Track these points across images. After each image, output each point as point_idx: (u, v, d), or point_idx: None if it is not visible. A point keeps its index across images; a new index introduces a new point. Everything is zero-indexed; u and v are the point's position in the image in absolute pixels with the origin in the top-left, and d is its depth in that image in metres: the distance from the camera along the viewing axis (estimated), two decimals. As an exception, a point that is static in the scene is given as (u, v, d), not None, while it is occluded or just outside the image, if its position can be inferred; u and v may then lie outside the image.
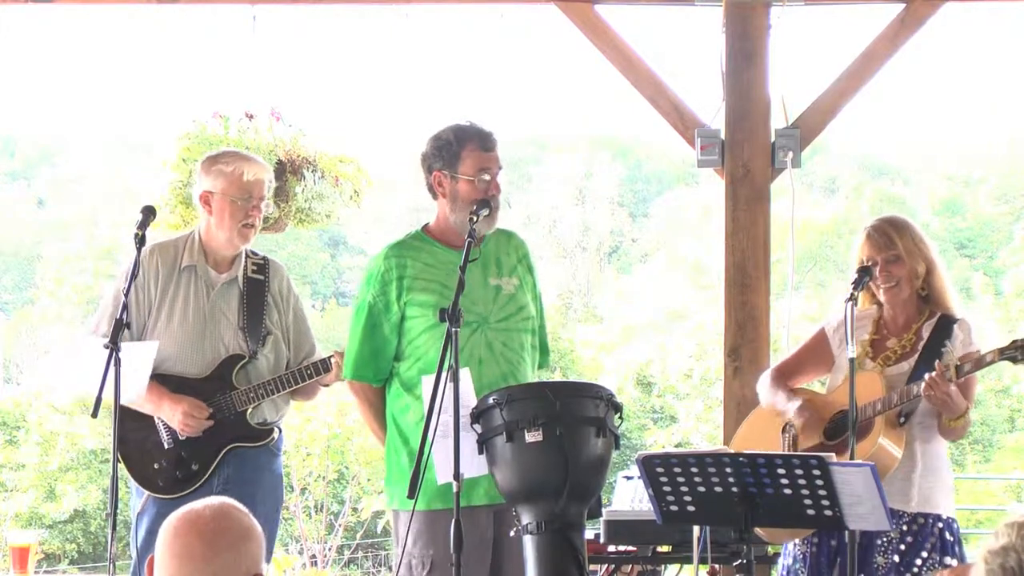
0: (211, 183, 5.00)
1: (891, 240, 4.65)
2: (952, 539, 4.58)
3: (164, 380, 4.96)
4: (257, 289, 5.08)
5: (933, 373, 4.41)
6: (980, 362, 4.45)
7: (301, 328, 5.19)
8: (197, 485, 4.95)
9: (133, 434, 4.95)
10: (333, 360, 5.01)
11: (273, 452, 5.11)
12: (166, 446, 5.00)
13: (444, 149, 4.68)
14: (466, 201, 4.65)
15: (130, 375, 4.61)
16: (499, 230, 4.80)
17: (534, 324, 4.81)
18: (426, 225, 4.81)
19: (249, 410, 5.01)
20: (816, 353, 4.91)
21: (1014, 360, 4.38)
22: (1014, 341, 4.38)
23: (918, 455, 4.59)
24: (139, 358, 4.82)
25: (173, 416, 4.95)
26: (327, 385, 5.19)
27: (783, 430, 4.80)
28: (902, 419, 4.55)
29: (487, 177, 4.66)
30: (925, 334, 4.65)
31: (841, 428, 4.64)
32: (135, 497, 5.04)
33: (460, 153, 4.66)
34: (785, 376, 4.92)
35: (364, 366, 4.76)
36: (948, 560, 4.53)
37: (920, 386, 4.44)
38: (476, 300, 4.66)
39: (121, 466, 4.93)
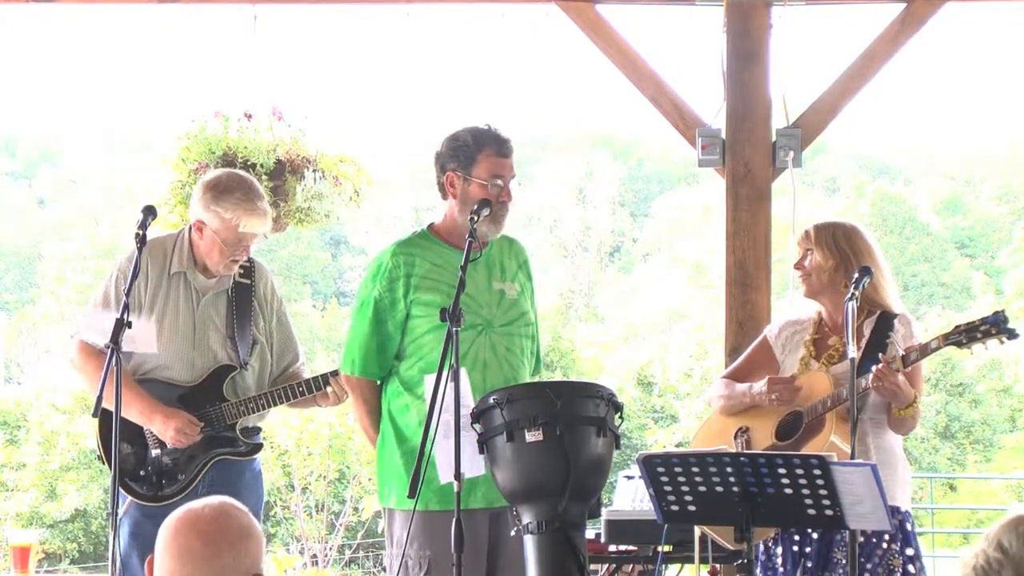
0: (207, 218, 4.90)
1: (807, 236, 4.83)
2: (910, 530, 4.64)
3: (154, 386, 4.92)
4: (244, 294, 5.03)
5: (880, 365, 4.47)
6: (925, 350, 4.52)
7: (285, 334, 5.12)
8: (182, 495, 4.88)
9: (121, 440, 4.80)
10: (331, 381, 4.94)
11: None
12: (153, 454, 4.95)
13: (460, 151, 4.65)
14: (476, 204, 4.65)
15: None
16: (502, 236, 4.78)
17: (533, 331, 4.81)
18: (431, 224, 4.77)
19: (238, 422, 4.99)
20: (762, 360, 4.94)
21: (959, 344, 4.46)
22: (957, 326, 4.46)
23: (871, 450, 4.64)
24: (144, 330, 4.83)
25: (165, 431, 4.89)
26: (322, 406, 5.10)
27: (735, 436, 4.81)
28: None
29: (500, 183, 4.63)
30: (867, 331, 4.70)
31: (792, 428, 4.69)
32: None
33: (476, 156, 4.63)
34: (737, 381, 4.94)
35: (371, 361, 4.71)
36: (908, 551, 4.58)
37: (868, 379, 4.50)
38: (481, 303, 4.65)
39: (106, 467, 4.91)
